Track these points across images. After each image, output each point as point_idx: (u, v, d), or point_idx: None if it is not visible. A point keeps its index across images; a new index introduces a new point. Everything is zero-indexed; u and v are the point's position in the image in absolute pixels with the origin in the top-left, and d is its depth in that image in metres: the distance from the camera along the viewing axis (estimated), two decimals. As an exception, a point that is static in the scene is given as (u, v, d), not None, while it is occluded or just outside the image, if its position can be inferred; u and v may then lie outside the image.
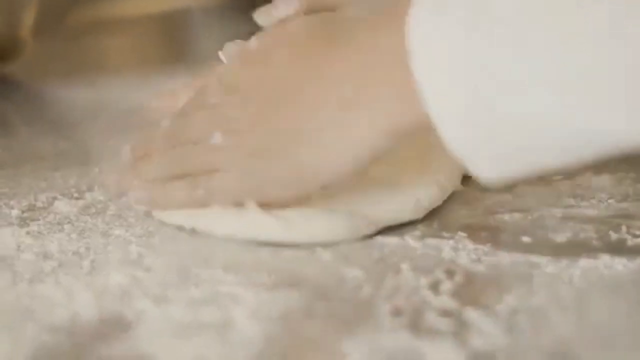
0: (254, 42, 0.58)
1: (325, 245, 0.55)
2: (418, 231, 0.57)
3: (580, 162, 0.48)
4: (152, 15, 1.20)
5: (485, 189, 0.62)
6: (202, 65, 0.90)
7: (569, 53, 0.45)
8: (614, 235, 0.56)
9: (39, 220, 0.59)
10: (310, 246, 0.55)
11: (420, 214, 0.58)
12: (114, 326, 0.48)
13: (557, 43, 0.45)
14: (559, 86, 0.46)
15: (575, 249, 0.54)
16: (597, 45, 0.45)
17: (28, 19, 0.86)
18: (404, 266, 0.53)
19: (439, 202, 0.60)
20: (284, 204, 0.55)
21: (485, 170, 0.50)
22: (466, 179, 0.63)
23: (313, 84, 0.54)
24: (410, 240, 0.56)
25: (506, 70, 0.46)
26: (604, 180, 0.63)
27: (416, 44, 0.48)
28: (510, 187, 0.62)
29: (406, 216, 0.58)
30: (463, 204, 0.61)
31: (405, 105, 0.50)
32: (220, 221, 0.57)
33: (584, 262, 0.52)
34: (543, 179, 0.64)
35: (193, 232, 0.57)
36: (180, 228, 0.58)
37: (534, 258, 0.53)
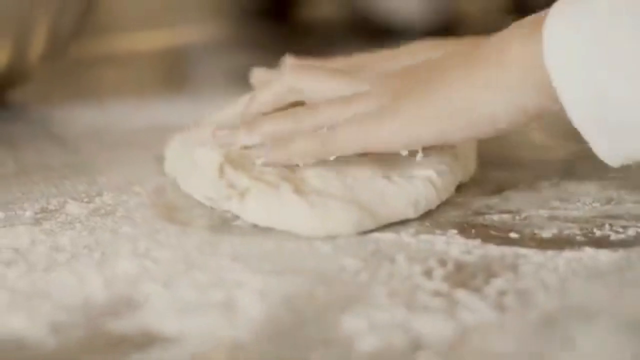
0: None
1: (327, 238, 0.59)
2: (412, 229, 0.60)
3: None
4: (152, 50, 1.24)
5: (473, 192, 0.66)
6: (201, 94, 0.94)
7: None
8: (597, 232, 0.59)
9: (51, 220, 0.62)
10: (310, 239, 0.58)
11: (417, 213, 0.61)
12: (124, 305, 0.51)
13: None
14: None
15: (561, 243, 0.58)
16: None
17: (36, 46, 0.89)
18: (399, 257, 0.56)
19: (435, 205, 0.63)
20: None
21: (605, 149, 0.57)
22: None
23: (459, 71, 0.61)
24: (405, 236, 0.59)
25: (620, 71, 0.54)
26: (589, 186, 0.67)
27: (551, 49, 0.56)
28: (501, 190, 0.66)
29: (404, 214, 0.61)
30: (454, 206, 0.64)
31: (537, 92, 0.57)
32: (256, 199, 0.61)
33: (569, 254, 0.56)
34: (530, 186, 0.67)
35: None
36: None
37: (521, 250, 0.56)
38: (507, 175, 0.70)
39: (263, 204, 0.60)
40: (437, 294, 0.51)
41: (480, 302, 0.50)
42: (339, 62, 0.77)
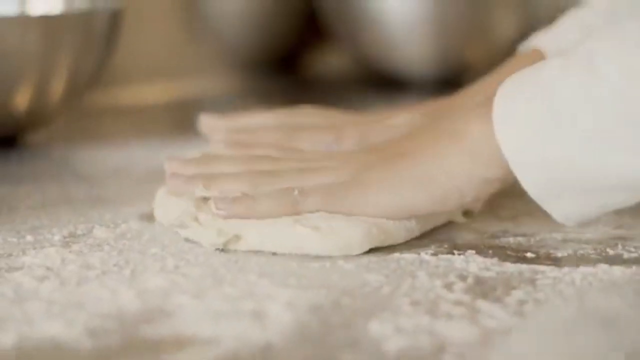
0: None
1: (348, 256, 0.61)
2: (431, 250, 0.62)
3: None
4: (166, 101, 1.28)
5: (488, 219, 0.68)
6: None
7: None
8: (611, 252, 0.61)
9: (80, 243, 0.64)
10: (333, 258, 0.60)
11: (415, 226, 0.64)
12: (157, 314, 0.52)
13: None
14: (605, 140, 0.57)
15: (576, 260, 0.60)
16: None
17: (56, 92, 0.92)
18: (420, 273, 0.58)
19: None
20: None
21: (561, 211, 0.61)
22: (467, 213, 0.69)
23: (422, 144, 0.64)
24: (425, 255, 0.61)
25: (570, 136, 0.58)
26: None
27: (500, 125, 0.60)
28: (515, 217, 0.68)
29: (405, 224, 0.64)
30: (469, 231, 0.66)
31: (494, 163, 0.61)
32: (260, 237, 0.62)
33: (584, 269, 0.58)
34: (543, 213, 0.69)
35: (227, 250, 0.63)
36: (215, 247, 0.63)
37: (538, 267, 0.59)
38: (520, 204, 0.72)
39: (269, 239, 0.62)
40: (459, 303, 0.53)
41: (501, 310, 0.52)
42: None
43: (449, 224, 0.68)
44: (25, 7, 1.00)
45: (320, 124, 0.78)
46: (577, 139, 0.58)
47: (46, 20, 0.89)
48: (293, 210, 0.63)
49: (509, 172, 0.60)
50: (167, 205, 0.67)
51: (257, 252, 0.62)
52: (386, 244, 0.63)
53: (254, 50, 1.40)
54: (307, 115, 0.81)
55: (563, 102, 0.58)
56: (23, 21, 0.89)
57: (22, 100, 0.90)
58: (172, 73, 1.43)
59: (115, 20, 0.94)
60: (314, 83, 1.41)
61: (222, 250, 0.63)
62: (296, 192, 0.64)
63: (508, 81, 0.61)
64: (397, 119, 0.77)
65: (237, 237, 0.63)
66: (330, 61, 1.46)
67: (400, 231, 0.63)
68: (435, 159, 0.63)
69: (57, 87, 0.92)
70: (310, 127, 0.77)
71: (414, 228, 0.64)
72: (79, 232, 0.67)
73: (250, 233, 0.63)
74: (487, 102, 0.61)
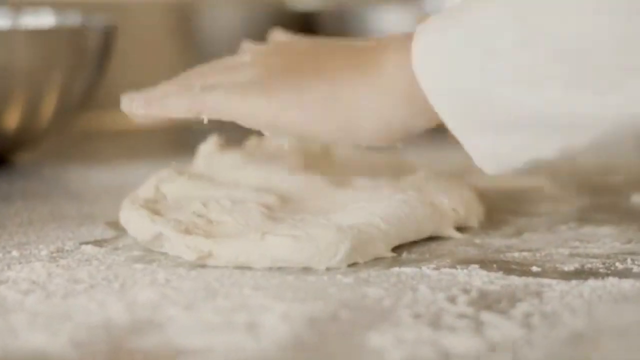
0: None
1: (347, 270, 0.59)
2: (433, 264, 0.60)
3: (574, 145, 0.56)
4: (158, 126, 1.25)
5: (492, 235, 0.65)
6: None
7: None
8: (620, 266, 0.59)
9: (67, 258, 0.62)
10: (331, 272, 0.58)
11: (388, 222, 0.62)
12: (146, 325, 0.50)
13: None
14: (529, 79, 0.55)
15: (584, 274, 0.57)
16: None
17: (48, 108, 0.89)
18: (422, 286, 0.55)
19: (411, 221, 0.64)
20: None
21: (479, 147, 0.58)
22: (463, 228, 0.67)
23: (344, 71, 0.62)
24: (426, 270, 0.59)
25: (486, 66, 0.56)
26: (607, 229, 0.67)
27: (418, 54, 0.58)
28: (520, 234, 0.66)
29: (375, 224, 0.62)
30: (472, 247, 0.64)
31: (407, 100, 0.60)
32: (231, 251, 0.60)
33: (593, 283, 0.55)
34: (549, 229, 0.67)
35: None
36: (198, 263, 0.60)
37: (545, 281, 0.56)
38: (525, 220, 0.70)
39: (240, 251, 0.60)
40: (462, 316, 0.51)
41: (507, 321, 0.50)
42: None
43: (449, 240, 0.65)
44: (16, 21, 0.98)
45: None
46: (494, 69, 0.55)
47: (37, 35, 0.87)
48: (196, 105, 0.64)
49: (425, 109, 0.58)
50: (136, 220, 0.65)
51: (251, 267, 0.60)
52: (369, 250, 0.61)
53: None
54: None
55: (483, 31, 0.56)
56: (13, 35, 0.86)
57: (12, 117, 0.87)
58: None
59: (108, 36, 0.92)
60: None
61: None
62: (197, 87, 0.64)
63: (432, 16, 0.59)
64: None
65: (209, 254, 0.60)
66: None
67: (380, 236, 0.61)
68: (344, 85, 0.61)
69: (48, 105, 0.90)
70: None
71: (390, 233, 0.62)
72: (67, 247, 0.64)
73: (221, 248, 0.60)
74: (408, 36, 0.59)
